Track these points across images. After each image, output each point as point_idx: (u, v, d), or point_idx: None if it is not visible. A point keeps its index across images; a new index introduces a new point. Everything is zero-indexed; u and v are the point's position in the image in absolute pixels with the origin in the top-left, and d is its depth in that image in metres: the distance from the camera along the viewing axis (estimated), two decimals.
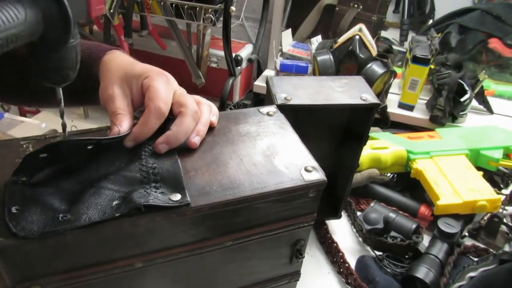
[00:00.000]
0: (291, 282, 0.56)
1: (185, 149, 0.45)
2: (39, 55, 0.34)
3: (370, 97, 0.60)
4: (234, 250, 0.45)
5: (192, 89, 1.37)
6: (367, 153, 0.83)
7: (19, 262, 0.35)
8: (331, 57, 1.13)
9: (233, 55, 1.23)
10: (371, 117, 0.62)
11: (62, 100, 0.40)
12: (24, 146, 0.44)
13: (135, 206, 0.36)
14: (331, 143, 0.71)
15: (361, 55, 1.09)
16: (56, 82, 0.37)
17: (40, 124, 1.04)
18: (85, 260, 0.38)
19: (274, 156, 0.46)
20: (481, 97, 1.18)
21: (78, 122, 1.28)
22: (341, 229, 0.79)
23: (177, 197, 0.38)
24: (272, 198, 0.42)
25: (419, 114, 1.17)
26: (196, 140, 0.45)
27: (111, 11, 1.14)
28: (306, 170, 0.44)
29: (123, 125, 0.43)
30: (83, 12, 0.34)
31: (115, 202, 0.37)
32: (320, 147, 0.53)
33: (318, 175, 0.44)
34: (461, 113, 1.10)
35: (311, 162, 0.46)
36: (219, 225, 0.42)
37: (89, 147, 0.41)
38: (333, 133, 0.70)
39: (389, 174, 0.89)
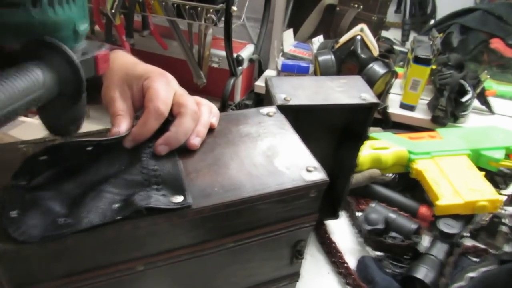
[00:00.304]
0: (291, 283, 0.56)
1: (185, 151, 0.45)
2: (54, 114, 0.36)
3: (369, 97, 0.60)
4: (235, 251, 0.46)
5: (193, 89, 1.37)
6: (368, 153, 0.83)
7: (19, 267, 0.35)
8: (333, 57, 1.12)
9: (235, 55, 1.23)
10: (370, 116, 0.62)
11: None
12: (24, 149, 0.44)
13: (137, 209, 0.36)
14: (331, 143, 0.71)
15: (362, 55, 1.09)
16: (65, 134, 0.39)
17: (41, 124, 1.04)
18: (86, 264, 0.38)
19: (275, 156, 0.46)
20: (483, 98, 1.18)
21: None
22: (341, 230, 0.79)
23: (178, 199, 0.38)
24: (274, 199, 0.43)
25: (421, 114, 1.17)
26: (196, 141, 0.45)
27: (113, 11, 1.14)
28: (308, 170, 0.45)
29: (122, 126, 0.43)
30: (91, 71, 0.37)
31: (116, 205, 0.37)
32: (320, 147, 0.53)
33: (319, 175, 0.44)
34: (462, 113, 1.10)
35: (312, 162, 0.46)
36: (221, 226, 0.43)
37: (89, 149, 0.41)
38: (333, 133, 0.70)
39: (390, 175, 0.89)
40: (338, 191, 0.72)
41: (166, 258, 0.41)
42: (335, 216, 0.75)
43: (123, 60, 0.50)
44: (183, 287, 0.47)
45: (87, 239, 0.35)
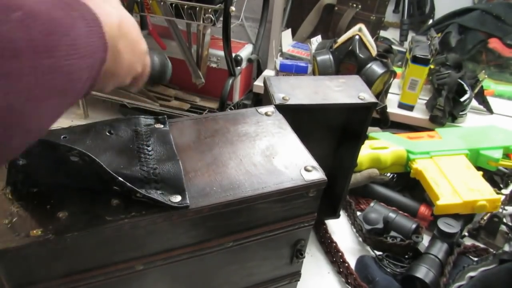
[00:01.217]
0: (291, 282, 0.56)
1: (184, 150, 0.45)
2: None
3: (367, 96, 0.60)
4: (235, 251, 0.45)
5: (192, 89, 1.37)
6: (367, 153, 0.83)
7: (19, 266, 0.34)
8: (331, 57, 1.12)
9: (233, 55, 1.23)
10: (369, 116, 0.62)
11: None
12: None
13: (135, 190, 0.36)
14: (330, 142, 0.71)
15: (361, 55, 1.09)
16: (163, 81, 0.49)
17: None
18: (86, 263, 0.38)
19: (274, 156, 0.46)
20: (481, 97, 1.18)
21: (78, 122, 1.28)
22: (341, 229, 0.79)
23: (177, 198, 0.38)
24: (273, 198, 0.42)
25: (419, 114, 1.17)
26: None
27: None
28: (306, 169, 0.45)
29: None
30: None
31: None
32: (319, 147, 0.53)
33: (318, 174, 0.44)
34: (461, 113, 1.10)
35: (311, 161, 0.46)
36: (220, 226, 0.42)
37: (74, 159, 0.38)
38: (331, 132, 0.70)
39: (389, 174, 0.89)
40: (337, 190, 0.72)
41: (165, 258, 0.41)
42: (335, 215, 0.75)
43: None
44: (183, 286, 0.47)
45: (87, 238, 0.35)
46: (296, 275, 0.55)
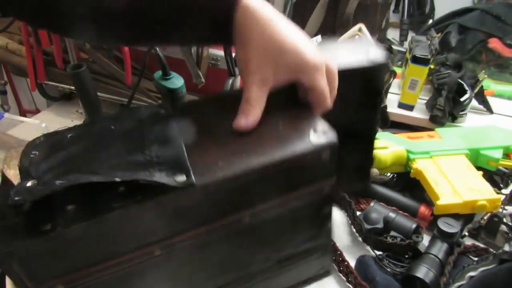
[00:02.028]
0: (324, 255, 0.53)
1: (187, 129, 0.44)
2: None
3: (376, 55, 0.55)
4: (253, 227, 0.44)
5: (192, 89, 1.37)
6: None
7: (34, 263, 0.34)
8: None
9: (233, 54, 1.23)
10: (381, 78, 0.57)
11: None
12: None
13: (138, 178, 0.36)
14: (346, 108, 0.67)
15: None
16: None
17: (40, 124, 1.04)
18: (101, 254, 0.37)
19: (283, 124, 0.44)
20: (481, 97, 1.18)
21: (78, 122, 1.28)
22: (341, 229, 0.79)
23: (182, 178, 0.37)
24: (284, 166, 0.40)
25: (419, 114, 1.17)
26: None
27: None
28: (316, 132, 0.43)
29: (249, 118, 0.43)
30: None
31: (117, 179, 0.36)
32: (335, 114, 0.48)
33: (328, 136, 0.42)
34: (461, 113, 1.10)
35: (321, 124, 0.44)
36: (232, 201, 0.41)
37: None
38: (349, 97, 0.66)
39: (389, 174, 0.89)
40: (362, 158, 0.66)
41: (181, 240, 0.40)
42: (364, 184, 0.73)
43: (262, 28, 0.42)
44: (209, 269, 0.46)
45: (96, 228, 0.35)
46: (327, 247, 0.53)
